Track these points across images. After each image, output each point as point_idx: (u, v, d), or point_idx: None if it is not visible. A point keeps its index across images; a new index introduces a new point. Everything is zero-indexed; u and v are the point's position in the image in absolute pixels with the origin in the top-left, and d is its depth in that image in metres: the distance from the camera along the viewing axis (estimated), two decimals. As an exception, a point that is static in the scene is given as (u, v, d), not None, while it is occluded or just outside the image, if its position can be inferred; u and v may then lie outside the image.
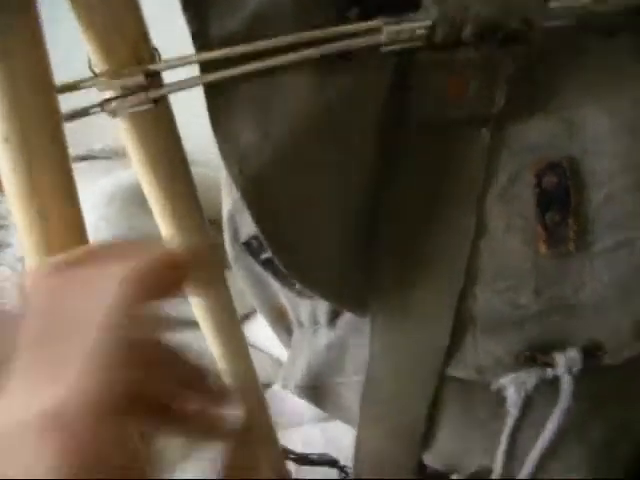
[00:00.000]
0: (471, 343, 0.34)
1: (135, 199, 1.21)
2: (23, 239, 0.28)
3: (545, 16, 0.26)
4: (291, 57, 0.26)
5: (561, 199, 0.31)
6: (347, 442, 0.45)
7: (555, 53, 0.29)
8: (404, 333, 0.34)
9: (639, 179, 0.31)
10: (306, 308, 0.39)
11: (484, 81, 0.28)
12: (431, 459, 0.40)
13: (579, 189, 0.31)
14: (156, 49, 0.29)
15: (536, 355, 0.34)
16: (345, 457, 0.64)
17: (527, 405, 0.36)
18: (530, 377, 0.34)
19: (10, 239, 1.31)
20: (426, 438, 0.38)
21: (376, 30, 0.25)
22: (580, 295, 0.33)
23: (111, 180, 1.21)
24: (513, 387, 0.34)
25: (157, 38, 0.29)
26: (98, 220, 0.94)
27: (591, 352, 0.34)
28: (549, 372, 0.34)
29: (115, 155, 1.31)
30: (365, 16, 0.26)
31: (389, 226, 0.31)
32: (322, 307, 0.38)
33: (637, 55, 0.30)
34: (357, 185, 0.30)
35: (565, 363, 0.34)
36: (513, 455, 0.38)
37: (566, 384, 0.35)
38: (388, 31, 0.25)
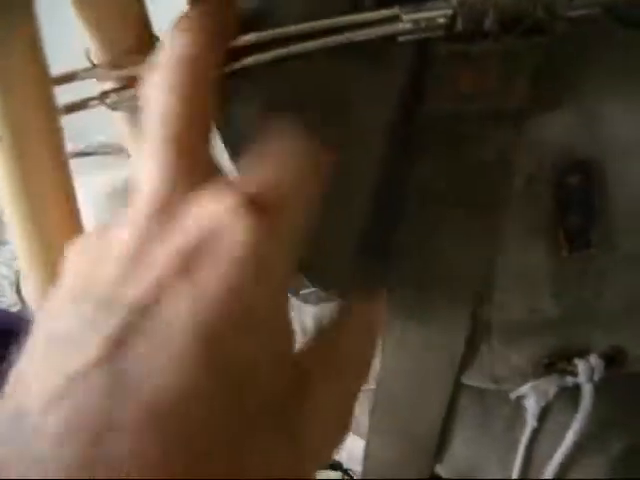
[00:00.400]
0: (487, 350, 0.32)
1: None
2: (17, 238, 0.26)
3: (570, 5, 0.25)
4: (304, 46, 0.24)
5: (584, 200, 0.29)
6: (350, 445, 0.43)
7: (579, 44, 0.28)
8: (419, 339, 0.32)
9: None
10: (311, 315, 0.37)
11: (505, 74, 0.27)
12: (444, 470, 0.39)
13: (603, 190, 0.29)
14: (158, 37, 0.27)
15: (556, 362, 0.32)
16: (347, 460, 0.63)
17: (545, 414, 0.35)
18: (550, 385, 0.32)
19: (6, 236, 1.30)
20: (440, 448, 0.37)
21: (394, 19, 0.24)
22: (601, 300, 0.31)
23: (110, 175, 1.20)
24: (534, 396, 0.32)
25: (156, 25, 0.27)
26: (97, 215, 0.93)
27: (613, 359, 0.33)
28: (569, 380, 0.33)
29: (113, 150, 1.30)
30: (380, 5, 0.25)
31: (403, 226, 0.30)
32: (328, 314, 0.37)
33: None
34: (369, 180, 0.28)
35: (586, 370, 0.32)
36: (530, 465, 0.36)
37: (587, 392, 0.33)
38: (407, 20, 0.24)
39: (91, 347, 0.14)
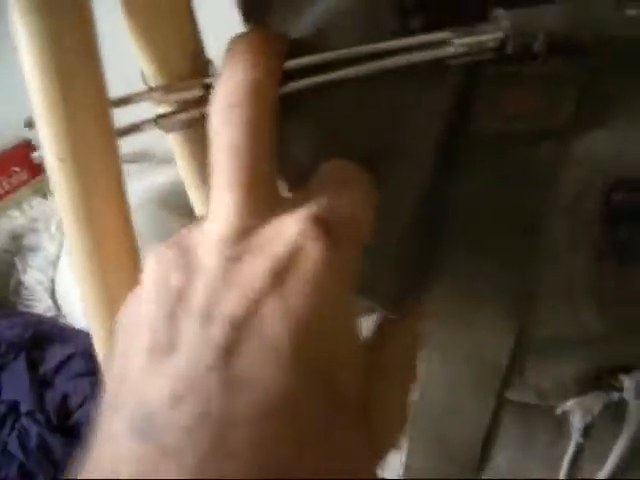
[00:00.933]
0: (533, 364, 0.32)
1: (166, 204, 1.22)
2: (75, 257, 0.27)
3: (622, 26, 0.25)
4: (354, 70, 0.25)
5: (630, 217, 0.29)
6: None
7: (627, 64, 0.28)
8: (463, 352, 0.33)
9: None
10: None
11: (551, 94, 0.27)
12: (486, 482, 0.39)
13: None
14: (211, 61, 0.28)
15: (602, 378, 0.32)
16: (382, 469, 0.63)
17: (590, 430, 0.34)
18: (596, 401, 0.32)
19: (42, 243, 1.33)
20: (482, 461, 0.37)
21: (445, 43, 0.24)
22: None
23: (142, 185, 1.22)
24: (579, 412, 0.32)
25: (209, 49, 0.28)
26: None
27: (659, 376, 0.33)
28: (615, 396, 0.33)
29: (143, 159, 1.32)
30: (429, 27, 0.25)
31: (450, 239, 0.30)
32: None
33: None
34: (417, 198, 0.29)
35: (632, 386, 0.32)
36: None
37: (634, 408, 0.33)
38: (458, 44, 0.24)
39: (203, 355, 0.16)
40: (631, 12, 0.26)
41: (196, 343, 0.16)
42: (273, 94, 0.22)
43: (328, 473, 0.16)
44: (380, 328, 0.25)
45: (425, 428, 0.36)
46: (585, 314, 0.31)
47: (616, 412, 0.33)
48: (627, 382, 0.32)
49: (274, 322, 0.16)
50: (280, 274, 0.17)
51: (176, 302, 0.17)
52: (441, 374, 0.34)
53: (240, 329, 0.16)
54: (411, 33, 0.25)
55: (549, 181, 0.29)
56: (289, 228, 0.18)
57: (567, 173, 0.29)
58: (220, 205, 0.19)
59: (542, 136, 0.28)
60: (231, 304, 0.17)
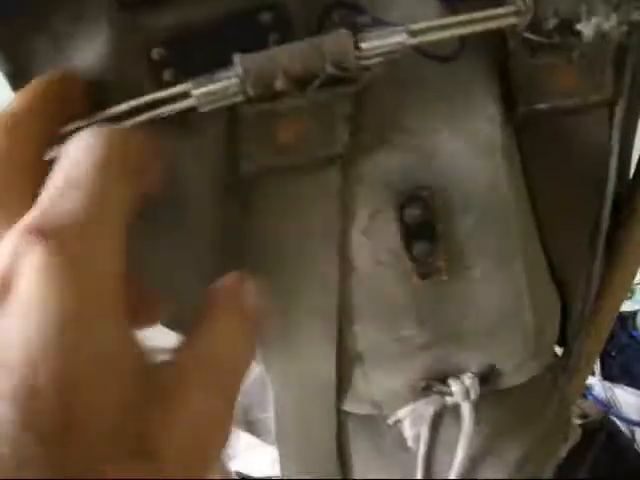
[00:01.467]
0: (362, 378, 0.33)
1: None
2: None
3: (359, 59, 0.26)
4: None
5: (426, 230, 0.30)
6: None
7: (397, 83, 0.29)
8: (295, 370, 0.34)
9: (506, 200, 0.30)
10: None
11: (320, 124, 0.28)
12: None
13: (445, 217, 0.30)
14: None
15: (432, 384, 0.33)
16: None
17: (438, 431, 0.35)
18: (427, 408, 0.33)
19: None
20: (343, 472, 0.38)
21: (185, 95, 0.25)
22: (466, 322, 0.32)
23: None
24: (408, 420, 0.33)
25: None
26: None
27: (487, 377, 0.34)
28: (448, 401, 0.33)
29: None
30: (184, 76, 0.26)
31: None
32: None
33: (480, 74, 0.29)
34: (209, 242, 0.30)
35: (461, 390, 0.33)
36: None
37: (466, 411, 0.34)
38: (197, 94, 0.25)
39: None
40: (367, 44, 0.26)
41: None
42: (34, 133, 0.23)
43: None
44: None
45: (287, 447, 0.38)
46: (405, 327, 0.32)
47: (457, 415, 0.34)
48: (455, 387, 0.33)
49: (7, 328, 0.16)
50: (4, 287, 0.17)
51: None
52: (284, 392, 0.35)
53: None
54: (163, 85, 0.26)
55: (340, 205, 0.30)
56: (4, 248, 0.17)
57: (357, 195, 0.30)
58: None
59: (322, 164, 0.29)
60: None
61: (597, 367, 0.88)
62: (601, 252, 0.34)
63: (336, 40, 0.26)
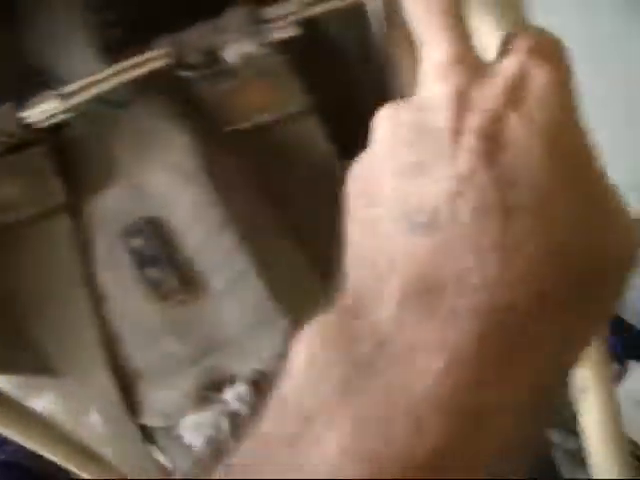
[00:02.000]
0: (146, 393, 0.36)
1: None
2: None
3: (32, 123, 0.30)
4: None
5: (152, 255, 0.33)
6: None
7: (100, 133, 0.33)
8: (84, 389, 0.38)
9: (220, 219, 0.33)
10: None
11: (29, 180, 0.32)
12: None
13: (169, 241, 0.33)
14: None
15: (208, 395, 0.36)
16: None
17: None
18: (206, 417, 0.36)
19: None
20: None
21: None
22: (222, 333, 0.35)
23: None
24: (189, 430, 0.36)
25: None
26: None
27: (259, 381, 0.35)
28: (228, 408, 0.36)
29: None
30: None
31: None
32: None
33: (163, 112, 0.32)
34: None
35: (234, 398, 0.35)
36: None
37: (247, 415, 0.36)
38: None
39: (460, 164, 0.17)
40: (29, 112, 0.30)
41: (452, 153, 0.17)
42: None
43: None
44: None
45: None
46: (166, 345, 0.35)
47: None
48: (228, 394, 0.36)
49: (517, 134, 0.17)
50: (515, 94, 0.18)
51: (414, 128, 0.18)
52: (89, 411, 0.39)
53: (491, 139, 0.17)
54: None
55: (76, 245, 0.34)
56: (509, 61, 0.18)
57: (91, 233, 0.34)
58: (433, 46, 0.19)
59: (48, 214, 0.33)
60: (477, 120, 0.17)
61: None
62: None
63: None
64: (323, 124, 0.33)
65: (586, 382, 0.33)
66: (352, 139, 0.35)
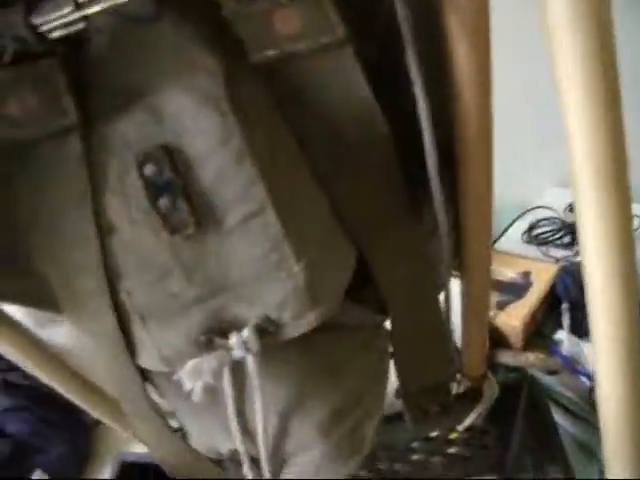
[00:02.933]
0: (146, 334, 0.35)
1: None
2: None
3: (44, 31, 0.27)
4: None
5: (167, 185, 0.31)
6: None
7: (119, 48, 0.30)
8: (82, 325, 0.36)
9: (239, 150, 0.30)
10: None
11: (42, 96, 0.29)
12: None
13: (185, 171, 0.31)
14: None
15: (212, 339, 0.34)
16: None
17: (240, 385, 0.36)
18: (211, 362, 0.34)
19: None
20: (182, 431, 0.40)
21: None
22: (231, 274, 0.33)
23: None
24: (186, 374, 0.34)
25: None
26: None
27: (265, 328, 0.34)
28: (233, 354, 0.34)
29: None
30: None
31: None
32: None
33: (188, 31, 0.30)
34: None
35: (241, 344, 0.34)
36: (250, 434, 0.38)
37: (251, 364, 0.35)
38: None
39: None
40: (38, 19, 0.27)
41: None
42: None
43: None
44: None
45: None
46: (172, 283, 0.33)
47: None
48: (233, 340, 0.34)
49: None
50: None
51: None
52: (85, 346, 0.37)
53: None
54: None
55: (86, 170, 0.31)
56: None
57: (102, 158, 0.31)
58: None
59: (59, 134, 0.31)
60: None
61: (566, 322, 0.84)
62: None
63: (6, 17, 0.27)
64: (359, 59, 0.31)
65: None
66: (390, 76, 0.33)
